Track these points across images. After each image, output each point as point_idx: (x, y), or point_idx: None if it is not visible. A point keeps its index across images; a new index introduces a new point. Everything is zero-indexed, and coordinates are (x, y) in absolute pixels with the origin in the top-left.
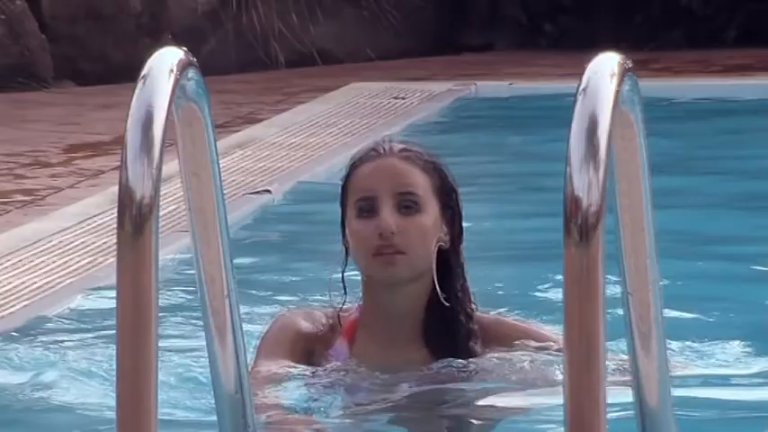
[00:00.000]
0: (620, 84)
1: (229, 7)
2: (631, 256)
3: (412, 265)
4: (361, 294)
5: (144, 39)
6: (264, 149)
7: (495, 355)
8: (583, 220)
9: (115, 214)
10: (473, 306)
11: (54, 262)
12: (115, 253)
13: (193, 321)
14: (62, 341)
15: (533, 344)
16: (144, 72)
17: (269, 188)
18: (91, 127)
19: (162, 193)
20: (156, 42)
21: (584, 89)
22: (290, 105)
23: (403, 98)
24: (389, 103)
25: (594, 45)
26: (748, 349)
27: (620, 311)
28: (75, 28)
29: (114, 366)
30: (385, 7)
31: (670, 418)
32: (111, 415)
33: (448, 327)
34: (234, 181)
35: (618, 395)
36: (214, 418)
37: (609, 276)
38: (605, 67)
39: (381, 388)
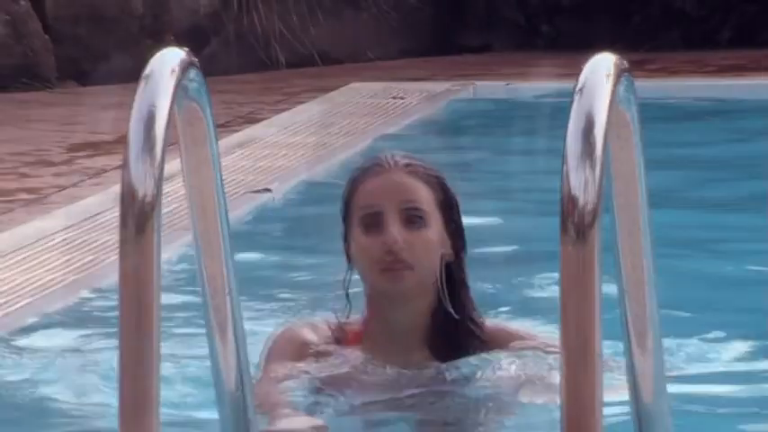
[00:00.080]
0: (616, 84)
1: (231, 9)
2: (628, 255)
3: (419, 280)
4: (364, 307)
5: (146, 40)
6: (265, 149)
7: (499, 358)
8: (579, 218)
9: (117, 213)
10: (478, 316)
11: (57, 259)
12: (117, 251)
13: (194, 319)
14: (65, 338)
15: (538, 350)
16: (146, 72)
17: (269, 187)
18: (94, 127)
19: (164, 191)
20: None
21: (580, 89)
22: (290, 105)
23: (402, 98)
24: (388, 103)
25: (591, 46)
26: (745, 347)
27: (617, 310)
28: (79, 29)
29: (116, 364)
30: (384, 8)
31: (666, 417)
32: (114, 413)
33: (454, 338)
34: (234, 180)
35: (614, 394)
36: (215, 415)
37: (605, 275)
38: (602, 67)
39: (388, 389)
